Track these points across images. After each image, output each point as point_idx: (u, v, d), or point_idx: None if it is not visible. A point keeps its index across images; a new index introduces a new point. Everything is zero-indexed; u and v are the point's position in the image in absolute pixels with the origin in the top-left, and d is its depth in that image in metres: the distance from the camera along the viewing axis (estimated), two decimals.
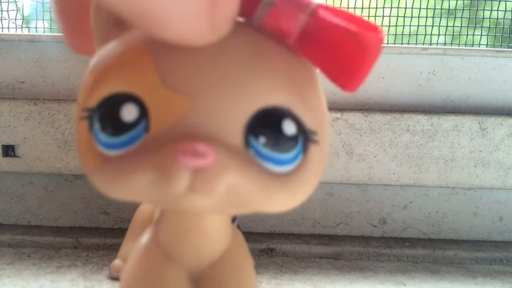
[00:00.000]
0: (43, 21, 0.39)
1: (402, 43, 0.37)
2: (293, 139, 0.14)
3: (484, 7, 0.37)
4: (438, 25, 0.37)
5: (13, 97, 0.34)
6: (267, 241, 0.34)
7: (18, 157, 0.33)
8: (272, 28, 0.14)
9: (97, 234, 0.34)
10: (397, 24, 0.36)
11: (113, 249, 0.32)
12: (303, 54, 0.15)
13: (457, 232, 0.36)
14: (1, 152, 0.33)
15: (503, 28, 0.37)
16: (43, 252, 0.32)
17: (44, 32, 0.39)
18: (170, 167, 0.12)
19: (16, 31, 0.38)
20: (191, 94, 0.13)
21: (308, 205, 0.36)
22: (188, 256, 0.18)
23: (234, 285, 0.18)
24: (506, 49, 0.35)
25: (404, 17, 0.36)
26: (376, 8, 0.36)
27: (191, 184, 0.12)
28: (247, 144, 0.14)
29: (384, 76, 0.34)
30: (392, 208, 0.36)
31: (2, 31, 0.36)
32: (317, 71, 0.16)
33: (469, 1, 0.37)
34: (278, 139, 0.14)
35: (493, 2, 0.36)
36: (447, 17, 0.37)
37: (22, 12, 0.39)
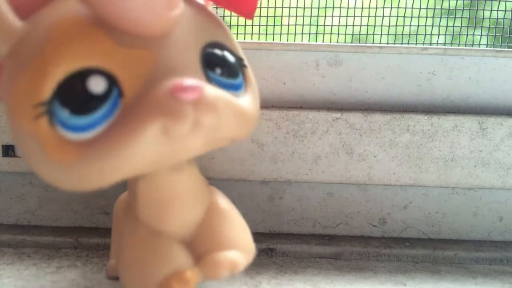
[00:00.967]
0: None
1: (402, 43, 0.37)
2: (236, 65, 0.17)
3: (484, 7, 0.37)
4: (438, 25, 0.37)
5: None
6: (267, 241, 0.34)
7: (18, 157, 0.33)
8: None
9: (97, 234, 0.34)
10: (397, 24, 0.36)
11: None
12: (206, 2, 0.18)
13: (457, 232, 0.36)
14: (1, 152, 0.33)
15: (503, 28, 0.37)
16: (43, 252, 0.32)
17: None
18: (177, 108, 0.13)
19: None
20: (149, 46, 0.14)
21: (308, 205, 0.36)
22: (174, 224, 0.18)
23: (227, 232, 0.19)
24: (506, 49, 0.35)
25: (404, 17, 0.36)
26: (376, 8, 0.36)
27: (196, 116, 0.13)
28: (208, 78, 0.15)
29: (384, 76, 0.34)
30: (392, 208, 0.36)
31: None
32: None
33: (469, 1, 0.37)
34: (228, 67, 0.16)
35: (493, 2, 0.36)
36: (447, 17, 0.37)
37: None
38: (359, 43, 0.37)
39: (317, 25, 0.36)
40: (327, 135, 0.33)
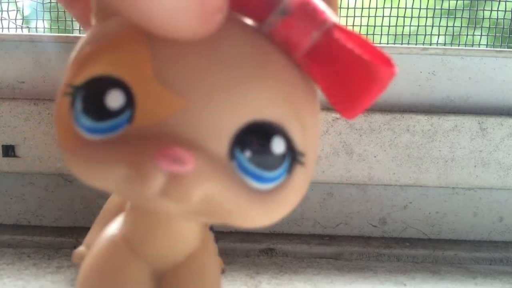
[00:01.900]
0: (43, 21, 0.39)
1: (402, 43, 0.37)
2: (280, 158, 0.13)
3: (484, 7, 0.37)
4: (438, 25, 0.37)
5: (13, 97, 0.34)
6: (267, 241, 0.34)
7: (18, 157, 0.33)
8: (282, 38, 0.13)
9: None
10: (397, 24, 0.36)
11: None
12: (308, 71, 0.14)
13: (457, 232, 0.36)
14: (1, 152, 0.33)
15: (503, 28, 0.37)
16: (43, 252, 0.32)
17: (44, 32, 0.39)
18: (145, 167, 0.12)
19: (16, 31, 0.38)
20: (185, 94, 0.13)
21: (308, 205, 0.36)
22: (153, 254, 0.17)
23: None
24: (506, 49, 0.35)
25: (404, 17, 0.36)
26: (376, 8, 0.36)
27: (165, 188, 0.12)
28: (232, 155, 0.13)
29: None
30: (392, 208, 0.36)
31: (2, 31, 0.36)
32: (318, 91, 0.15)
33: (469, 1, 0.37)
34: (264, 155, 0.13)
35: (493, 2, 0.36)
36: (447, 17, 0.37)
37: (22, 12, 0.39)
38: None
39: None
40: (327, 135, 0.33)
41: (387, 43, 0.37)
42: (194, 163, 0.12)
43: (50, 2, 0.37)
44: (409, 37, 0.37)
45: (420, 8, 0.36)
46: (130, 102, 0.13)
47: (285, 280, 0.29)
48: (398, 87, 0.34)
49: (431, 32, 0.37)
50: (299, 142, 0.14)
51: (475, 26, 0.38)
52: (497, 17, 0.37)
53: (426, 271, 0.32)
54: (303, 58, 0.14)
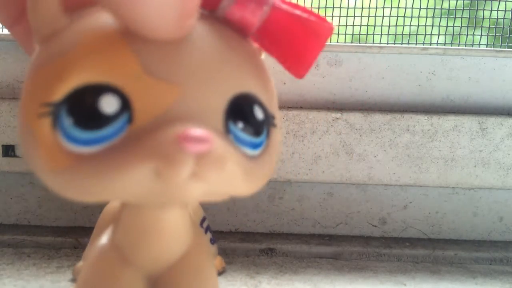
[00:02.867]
0: None
1: (402, 43, 0.37)
2: (262, 123, 0.15)
3: (484, 7, 0.37)
4: (438, 25, 0.37)
5: (13, 97, 0.34)
6: (267, 241, 0.34)
7: (18, 157, 0.33)
8: (237, 18, 0.15)
9: None
10: (397, 24, 0.36)
11: None
12: (260, 44, 0.16)
13: (457, 232, 0.36)
14: (1, 152, 0.33)
15: (503, 28, 0.37)
16: (43, 252, 0.32)
17: None
18: (174, 155, 0.12)
19: None
20: (178, 82, 0.13)
21: (308, 205, 0.36)
22: (146, 259, 0.17)
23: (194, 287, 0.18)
24: (506, 49, 0.35)
25: (404, 17, 0.36)
26: (376, 8, 0.36)
27: (196, 170, 0.12)
28: (227, 129, 0.14)
29: (384, 76, 0.34)
30: (392, 208, 0.36)
31: (2, 31, 0.36)
32: (264, 56, 0.17)
33: (469, 1, 0.37)
34: (252, 123, 0.15)
35: (493, 2, 0.36)
36: (447, 17, 0.37)
37: None
38: (359, 43, 0.37)
39: None
40: (327, 135, 0.33)
41: (387, 43, 0.37)
42: (213, 140, 0.13)
43: None
44: (409, 37, 0.37)
45: (420, 8, 0.36)
46: (125, 103, 0.13)
47: (285, 280, 0.29)
48: (398, 87, 0.34)
49: (431, 32, 0.37)
50: (269, 107, 0.15)
51: (475, 26, 0.38)
52: (497, 17, 0.37)
53: (426, 271, 0.32)
54: (257, 33, 0.15)
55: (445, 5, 0.37)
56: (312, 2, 0.36)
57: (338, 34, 0.36)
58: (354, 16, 0.36)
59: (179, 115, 0.13)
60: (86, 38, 0.13)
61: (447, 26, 0.38)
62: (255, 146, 0.15)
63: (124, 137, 0.13)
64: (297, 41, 0.16)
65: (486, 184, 0.34)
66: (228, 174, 0.13)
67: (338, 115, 0.33)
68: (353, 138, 0.33)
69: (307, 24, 0.15)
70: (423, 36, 0.37)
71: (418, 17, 0.36)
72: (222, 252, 0.33)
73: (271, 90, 0.16)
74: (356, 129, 0.33)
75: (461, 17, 0.37)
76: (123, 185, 0.13)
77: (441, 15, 0.37)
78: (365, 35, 0.37)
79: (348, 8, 0.36)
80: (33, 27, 0.14)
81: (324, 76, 0.34)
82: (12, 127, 0.33)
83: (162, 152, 0.12)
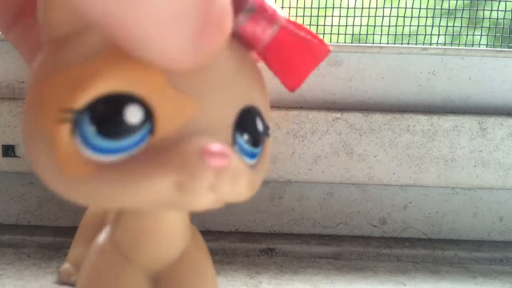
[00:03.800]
0: None
1: (402, 43, 0.37)
2: (262, 134, 0.16)
3: (484, 7, 0.37)
4: (438, 25, 0.37)
5: (13, 97, 0.34)
6: (267, 241, 0.34)
7: (18, 157, 0.33)
8: (248, 33, 0.15)
9: None
10: (397, 24, 0.36)
11: None
12: (262, 57, 0.17)
13: (457, 232, 0.36)
14: (1, 152, 0.33)
15: (503, 28, 0.37)
16: (43, 252, 0.32)
17: None
18: (197, 169, 0.12)
19: None
20: (197, 96, 0.14)
21: (308, 205, 0.36)
22: (147, 257, 0.17)
23: (195, 285, 0.18)
24: (506, 49, 0.35)
25: (404, 17, 0.36)
26: (376, 8, 0.36)
27: (213, 183, 0.13)
28: (234, 141, 0.15)
29: (384, 76, 0.34)
30: (392, 208, 0.36)
31: None
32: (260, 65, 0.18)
33: (469, 1, 0.37)
34: (255, 135, 0.15)
35: (493, 2, 0.36)
36: (447, 17, 0.37)
37: None
38: (359, 43, 0.37)
39: (317, 25, 0.36)
40: (327, 135, 0.33)
41: (387, 43, 0.37)
42: (231, 155, 0.13)
43: None
44: (409, 37, 0.37)
45: (420, 8, 0.36)
46: (148, 114, 0.13)
47: (285, 280, 0.29)
48: (398, 87, 0.34)
49: (431, 32, 0.37)
50: (266, 118, 0.16)
51: (475, 26, 0.38)
52: (497, 17, 0.37)
53: (426, 271, 0.32)
54: (263, 49, 0.16)
55: (445, 5, 0.37)
56: (312, 1, 0.36)
57: (338, 34, 0.36)
58: (354, 16, 0.36)
59: (197, 128, 0.13)
60: (112, 45, 0.13)
61: (447, 26, 0.38)
62: (253, 156, 0.16)
63: (145, 148, 0.13)
64: (296, 59, 0.17)
65: (486, 184, 0.34)
66: (240, 186, 0.14)
67: (338, 115, 0.33)
68: (353, 138, 0.33)
69: (308, 44, 0.16)
70: (423, 36, 0.37)
71: (418, 17, 0.36)
72: (222, 252, 0.33)
73: (268, 101, 0.17)
74: (356, 129, 0.33)
75: (461, 17, 0.37)
76: (143, 195, 0.13)
77: (441, 15, 0.37)
78: (365, 35, 0.37)
79: (348, 8, 0.36)
80: (46, 25, 0.14)
81: (324, 76, 0.34)
82: (12, 127, 0.33)
83: (186, 165, 0.13)
